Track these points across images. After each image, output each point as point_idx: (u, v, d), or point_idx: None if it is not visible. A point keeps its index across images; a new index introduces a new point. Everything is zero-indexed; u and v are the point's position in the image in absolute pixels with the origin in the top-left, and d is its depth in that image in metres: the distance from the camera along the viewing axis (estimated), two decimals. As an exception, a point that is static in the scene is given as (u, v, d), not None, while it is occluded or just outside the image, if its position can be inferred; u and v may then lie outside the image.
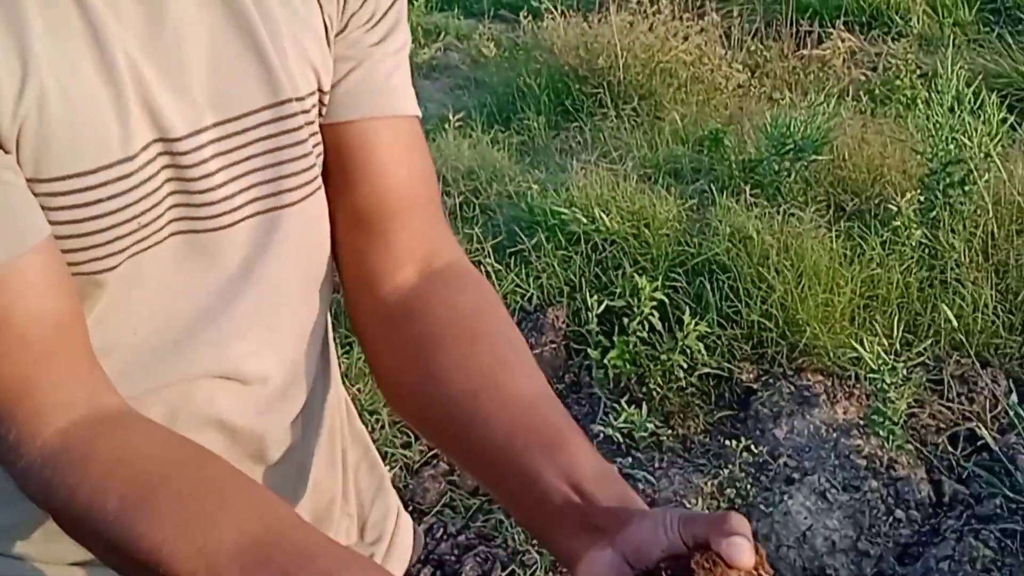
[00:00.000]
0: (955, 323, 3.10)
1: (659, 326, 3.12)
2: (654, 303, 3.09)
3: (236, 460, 0.96)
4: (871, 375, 2.78)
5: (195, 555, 0.81)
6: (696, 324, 3.03)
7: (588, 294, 3.24)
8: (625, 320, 3.14)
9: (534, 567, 2.73)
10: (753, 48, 5.29)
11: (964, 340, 3.15)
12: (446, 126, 4.78)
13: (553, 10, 5.54)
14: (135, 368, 0.95)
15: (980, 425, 2.86)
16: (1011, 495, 2.68)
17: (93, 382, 0.89)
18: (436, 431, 1.06)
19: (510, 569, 2.77)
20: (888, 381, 2.77)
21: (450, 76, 6.07)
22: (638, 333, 3.10)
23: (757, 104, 4.79)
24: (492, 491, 1.04)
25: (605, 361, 3.07)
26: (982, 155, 3.66)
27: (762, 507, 2.79)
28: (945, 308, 3.11)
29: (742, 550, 0.85)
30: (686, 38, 5.10)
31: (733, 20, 5.50)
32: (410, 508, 3.00)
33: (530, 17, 5.71)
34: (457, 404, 1.00)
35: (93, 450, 0.85)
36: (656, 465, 2.96)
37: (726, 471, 2.86)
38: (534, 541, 2.80)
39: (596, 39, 5.19)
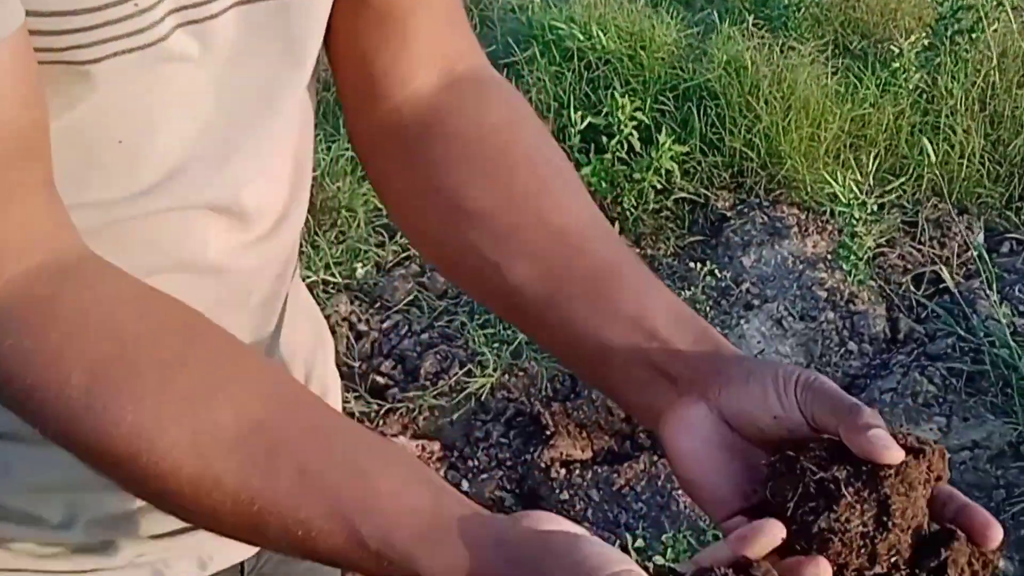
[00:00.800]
0: (933, 159, 3.07)
1: (638, 147, 3.11)
2: (635, 123, 3.07)
3: (219, 307, 0.79)
4: (841, 209, 2.78)
5: (183, 443, 0.66)
6: (672, 145, 3.02)
7: (574, 111, 3.22)
8: (605, 139, 3.14)
9: (488, 367, 2.80)
10: None
11: (945, 186, 3.14)
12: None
13: None
14: (118, 188, 0.78)
15: (944, 267, 2.87)
16: (964, 335, 2.71)
17: (54, 218, 0.71)
18: (470, 278, 0.90)
19: (467, 368, 2.85)
20: (857, 216, 2.77)
21: None
22: (617, 153, 3.09)
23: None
24: (545, 345, 0.90)
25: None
26: (994, 3, 3.57)
27: (719, 328, 2.82)
28: (927, 143, 3.07)
29: (886, 447, 0.72)
30: None
31: None
32: (378, 304, 3.07)
33: None
34: (492, 245, 0.84)
35: (55, 306, 0.68)
36: (622, 282, 3.00)
37: (688, 292, 2.89)
38: (495, 344, 2.87)
39: None
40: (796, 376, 0.77)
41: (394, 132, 0.89)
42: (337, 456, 0.69)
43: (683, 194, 3.14)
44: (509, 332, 2.90)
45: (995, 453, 2.50)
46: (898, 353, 2.75)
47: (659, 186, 3.10)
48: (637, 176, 3.08)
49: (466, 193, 0.86)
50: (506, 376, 2.84)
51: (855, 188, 2.81)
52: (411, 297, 3.05)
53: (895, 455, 0.72)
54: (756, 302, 2.88)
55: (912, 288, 2.91)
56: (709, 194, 3.15)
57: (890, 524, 0.72)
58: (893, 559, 0.73)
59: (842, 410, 0.75)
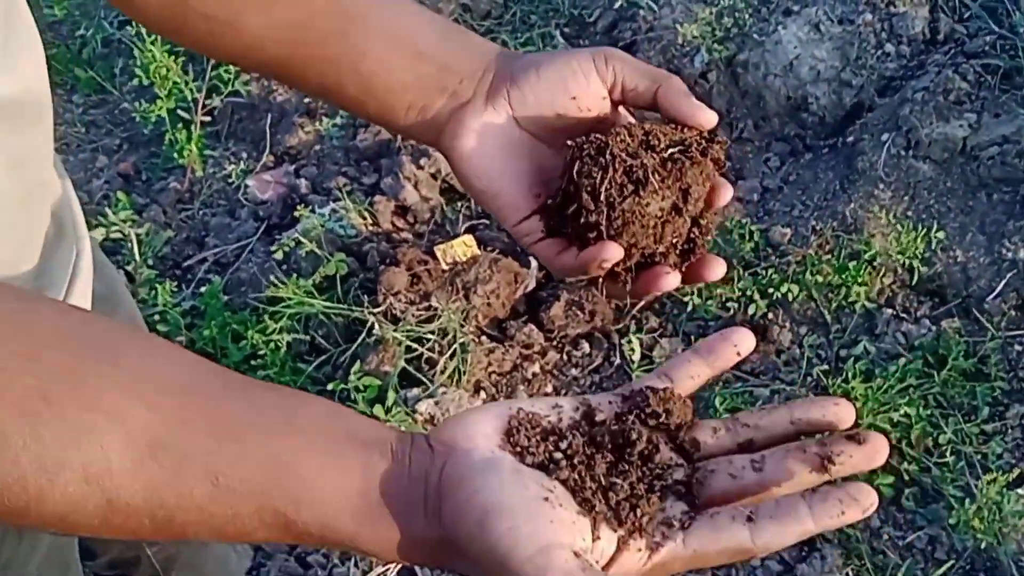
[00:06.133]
0: None
1: None
2: None
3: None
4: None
5: (76, 481, 0.61)
6: None
7: None
8: None
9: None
10: None
11: None
12: None
13: None
14: None
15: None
16: (1005, 34, 2.66)
17: None
18: (200, 40, 0.87)
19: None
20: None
21: None
22: None
23: None
24: (302, 88, 0.92)
25: None
26: None
27: (755, 36, 2.82)
28: None
29: (703, 109, 0.79)
30: None
31: None
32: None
33: None
34: (216, 2, 0.83)
35: None
36: (662, -6, 2.98)
37: (727, 1, 2.87)
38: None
39: None
40: (596, 53, 0.80)
41: None
42: (250, 450, 0.64)
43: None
44: (548, 47, 2.94)
45: (1025, 148, 2.49)
46: (935, 53, 2.71)
47: None
48: None
49: None
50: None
51: None
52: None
53: (710, 117, 0.79)
54: (795, 7, 2.84)
55: (956, -14, 2.84)
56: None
57: (684, 211, 0.78)
58: (674, 240, 0.79)
59: (660, 76, 0.80)
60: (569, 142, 0.80)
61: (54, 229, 0.88)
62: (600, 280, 0.80)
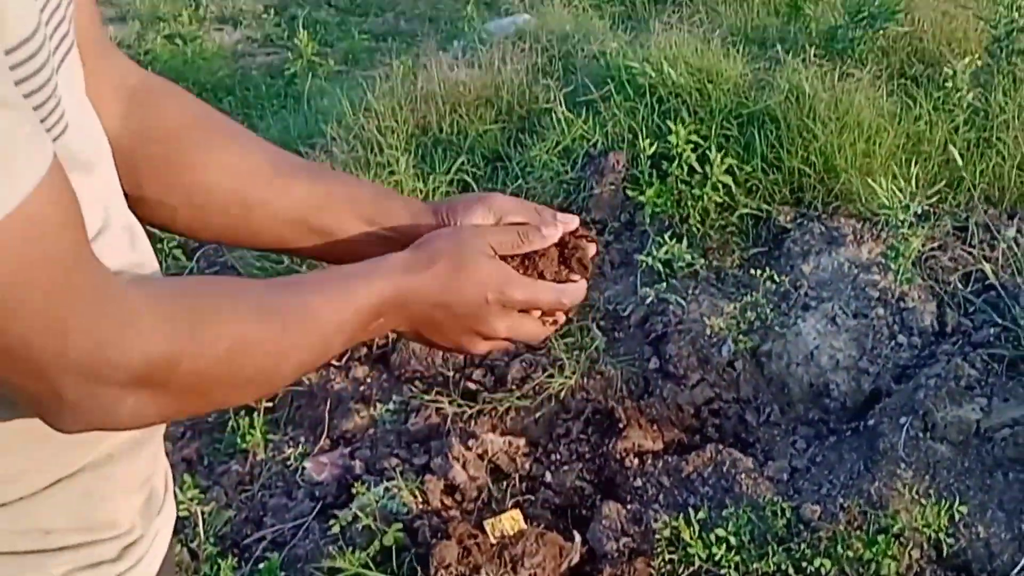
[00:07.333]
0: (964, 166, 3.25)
1: (699, 168, 3.38)
2: (691, 146, 3.36)
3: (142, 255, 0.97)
4: (883, 210, 3.00)
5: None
6: (724, 159, 3.29)
7: (643, 140, 3.51)
8: (666, 164, 3.42)
9: (567, 371, 3.08)
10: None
11: (996, 195, 3.33)
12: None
13: None
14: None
15: (990, 266, 3.06)
16: (1008, 325, 2.90)
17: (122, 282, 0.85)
18: (225, 241, 1.20)
19: (549, 373, 3.14)
20: (902, 219, 2.99)
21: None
22: (679, 176, 3.37)
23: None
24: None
25: (644, 198, 3.37)
26: (1047, 23, 3.76)
27: (777, 328, 3.07)
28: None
29: (549, 237, 1.15)
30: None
31: None
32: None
33: None
34: (236, 219, 1.12)
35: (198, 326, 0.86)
36: (689, 292, 3.26)
37: (750, 297, 3.14)
38: (574, 350, 3.15)
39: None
40: (485, 216, 1.15)
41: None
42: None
43: (746, 210, 3.40)
44: (587, 340, 3.20)
45: (1035, 430, 2.67)
46: (944, 343, 2.95)
47: (722, 202, 3.37)
48: (697, 192, 3.36)
49: (185, 183, 1.09)
50: (584, 379, 3.13)
51: (899, 193, 3.03)
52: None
53: (552, 236, 1.15)
54: (813, 303, 3.11)
55: (960, 286, 3.11)
56: (771, 209, 3.40)
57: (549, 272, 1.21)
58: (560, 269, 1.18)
59: (530, 216, 1.16)
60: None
61: None
62: None
